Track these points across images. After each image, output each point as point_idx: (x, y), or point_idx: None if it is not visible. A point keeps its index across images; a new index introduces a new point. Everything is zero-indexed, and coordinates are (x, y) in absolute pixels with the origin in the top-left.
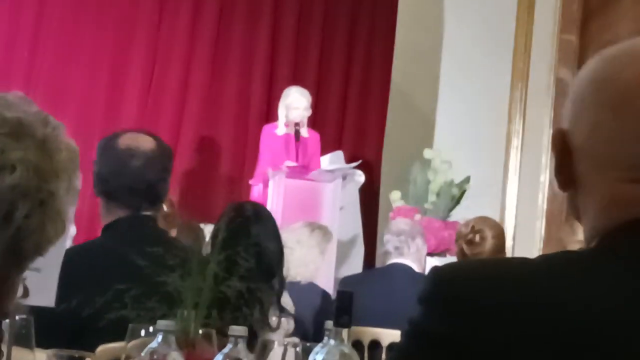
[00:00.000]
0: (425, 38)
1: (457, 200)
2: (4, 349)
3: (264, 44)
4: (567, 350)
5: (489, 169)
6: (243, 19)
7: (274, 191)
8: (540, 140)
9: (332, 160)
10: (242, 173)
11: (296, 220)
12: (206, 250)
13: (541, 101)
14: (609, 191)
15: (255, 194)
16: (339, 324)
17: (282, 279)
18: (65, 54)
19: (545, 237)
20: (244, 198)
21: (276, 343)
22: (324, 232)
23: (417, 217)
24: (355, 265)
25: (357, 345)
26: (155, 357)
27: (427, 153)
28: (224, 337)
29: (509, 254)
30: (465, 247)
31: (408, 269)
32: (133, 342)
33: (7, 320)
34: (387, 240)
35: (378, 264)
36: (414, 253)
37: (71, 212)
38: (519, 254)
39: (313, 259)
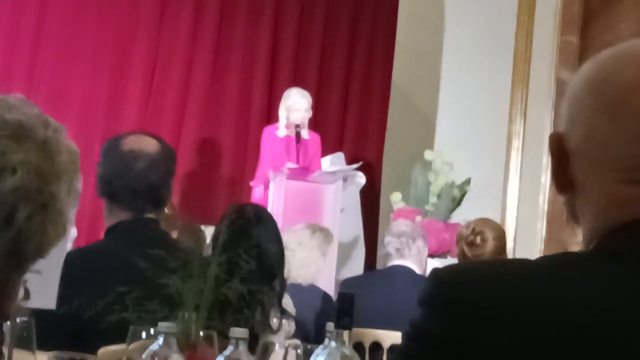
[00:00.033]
0: (425, 39)
1: (458, 202)
2: (5, 351)
3: (265, 45)
4: (568, 351)
5: (490, 170)
6: (244, 20)
7: (274, 193)
8: (541, 141)
9: (333, 162)
10: (243, 174)
11: (297, 222)
12: (207, 252)
13: (542, 102)
14: (606, 193)
15: (256, 195)
16: (340, 325)
17: (283, 281)
18: (67, 55)
19: (546, 238)
20: (245, 199)
21: (277, 345)
22: (325, 234)
23: (418, 218)
24: (356, 266)
25: (358, 347)
26: (156, 359)
27: (428, 154)
28: (225, 339)
29: (510, 255)
30: (466, 248)
31: (409, 270)
32: (134, 344)
33: (8, 323)
34: (388, 242)
35: (379, 265)
36: (415, 255)
37: (72, 214)
38: (520, 255)
39: (314, 261)
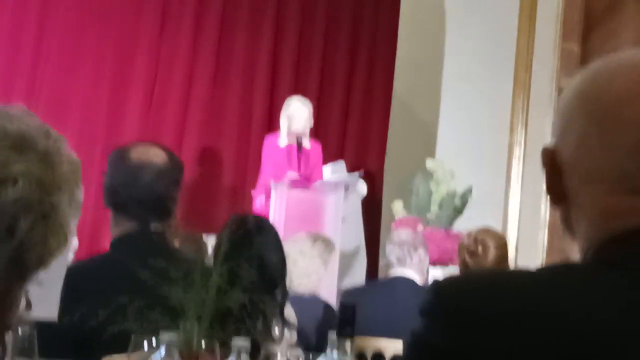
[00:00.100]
0: (426, 48)
1: (459, 211)
2: None
3: (266, 55)
4: (569, 359)
5: (491, 179)
6: (245, 30)
7: (276, 202)
8: None
9: (334, 170)
10: (245, 184)
11: (298, 231)
12: (209, 262)
13: (543, 111)
14: (599, 204)
15: (258, 204)
16: (342, 335)
17: (284, 291)
18: (68, 65)
19: (548, 247)
20: (246, 209)
21: (279, 355)
22: (327, 243)
23: (420, 227)
24: (358, 275)
25: (360, 356)
26: None
27: (429, 163)
28: (226, 349)
29: (511, 264)
30: (467, 258)
31: (410, 280)
32: (136, 354)
33: (10, 333)
34: (390, 251)
35: (380, 274)
36: (416, 264)
37: (73, 224)
38: (521, 264)
39: (315, 270)
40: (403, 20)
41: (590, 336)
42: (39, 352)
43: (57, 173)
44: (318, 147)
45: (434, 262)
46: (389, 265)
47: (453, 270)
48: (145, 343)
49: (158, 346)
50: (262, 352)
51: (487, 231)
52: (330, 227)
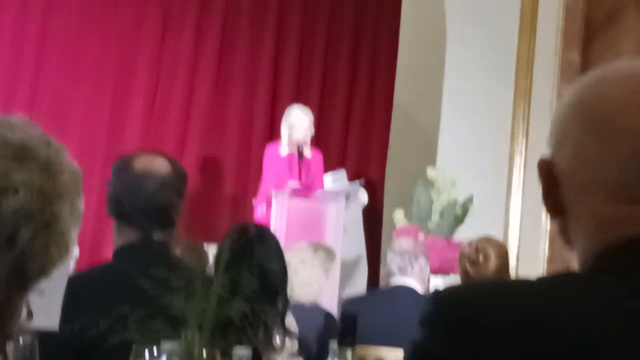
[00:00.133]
0: (427, 57)
1: (460, 220)
2: None
3: (267, 64)
4: None
5: (492, 188)
6: (246, 39)
7: (277, 211)
8: None
9: (335, 179)
10: (246, 193)
11: (300, 240)
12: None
13: (544, 119)
14: (596, 214)
15: (259, 214)
16: (343, 344)
17: (285, 300)
18: (69, 74)
19: (549, 256)
20: (248, 218)
21: None
22: (328, 252)
23: (421, 236)
24: (359, 284)
25: None
26: None
27: (430, 172)
28: (228, 358)
29: (512, 273)
30: (469, 267)
31: (411, 289)
32: None
33: (11, 342)
34: (390, 260)
35: (381, 283)
36: (417, 273)
37: (74, 233)
38: (523, 273)
39: (317, 279)
40: (404, 29)
41: (590, 345)
42: None
43: (58, 182)
44: (319, 156)
45: (435, 271)
46: (390, 275)
47: (454, 279)
48: (147, 353)
49: (159, 356)
50: None
51: (488, 240)
52: (331, 236)
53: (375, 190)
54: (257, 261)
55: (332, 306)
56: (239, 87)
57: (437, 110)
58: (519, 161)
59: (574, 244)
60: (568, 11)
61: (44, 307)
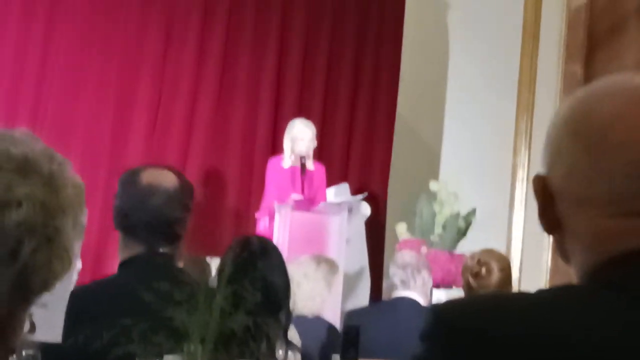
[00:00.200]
0: (430, 69)
1: (463, 233)
2: None
3: (270, 76)
4: None
5: (495, 201)
6: (249, 51)
7: (280, 224)
8: None
9: (338, 193)
10: (248, 206)
11: (302, 253)
12: (213, 284)
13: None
14: (591, 229)
15: (261, 227)
16: (346, 356)
17: (288, 313)
18: (71, 87)
19: (552, 268)
20: (250, 231)
21: None
22: (330, 265)
23: (424, 249)
24: (361, 297)
25: None
26: None
27: (433, 185)
28: None
29: (515, 286)
30: (471, 280)
31: (414, 302)
32: None
33: (15, 356)
34: (393, 273)
35: (384, 296)
36: (419, 286)
37: (77, 247)
38: (525, 286)
39: (319, 292)
40: (407, 41)
41: (591, 357)
42: None
43: (61, 196)
44: (322, 169)
45: (437, 284)
46: (392, 288)
47: (457, 292)
48: None
49: None
50: None
51: (490, 253)
52: (334, 249)
53: (377, 203)
54: (260, 274)
55: (334, 319)
56: (242, 100)
57: (440, 124)
58: (521, 174)
59: (571, 259)
60: (570, 24)
61: (47, 320)
